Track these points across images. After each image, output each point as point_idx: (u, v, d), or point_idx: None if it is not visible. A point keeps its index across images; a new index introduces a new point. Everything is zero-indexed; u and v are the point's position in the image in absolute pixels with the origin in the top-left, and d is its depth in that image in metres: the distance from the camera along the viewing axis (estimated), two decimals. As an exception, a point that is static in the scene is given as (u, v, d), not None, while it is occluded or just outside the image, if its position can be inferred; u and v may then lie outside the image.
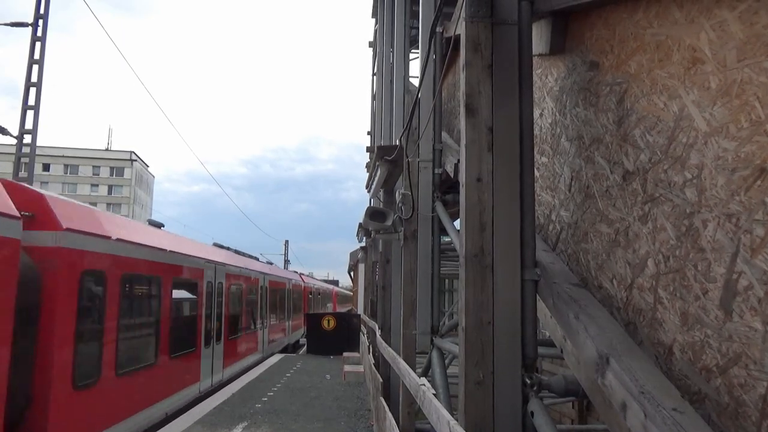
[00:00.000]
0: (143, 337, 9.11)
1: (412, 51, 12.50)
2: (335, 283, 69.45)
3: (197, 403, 11.06)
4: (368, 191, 14.80)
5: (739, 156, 2.03)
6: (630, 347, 2.66)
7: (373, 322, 13.95)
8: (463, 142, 3.32)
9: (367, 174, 14.65)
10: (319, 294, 38.18)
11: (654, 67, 2.59)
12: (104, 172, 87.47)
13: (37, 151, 15.01)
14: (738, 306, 2.03)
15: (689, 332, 2.32)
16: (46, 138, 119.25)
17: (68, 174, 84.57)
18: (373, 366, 11.38)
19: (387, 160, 8.50)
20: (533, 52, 3.51)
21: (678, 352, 2.40)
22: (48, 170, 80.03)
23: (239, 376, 14.85)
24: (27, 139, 14.41)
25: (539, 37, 3.74)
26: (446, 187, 5.96)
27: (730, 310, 2.07)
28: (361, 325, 21.53)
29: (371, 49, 22.03)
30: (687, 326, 2.33)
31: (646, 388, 2.31)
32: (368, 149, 16.17)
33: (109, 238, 7.69)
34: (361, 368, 15.60)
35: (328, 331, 21.50)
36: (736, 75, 2.04)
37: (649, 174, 2.64)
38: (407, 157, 6.53)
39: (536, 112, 4.00)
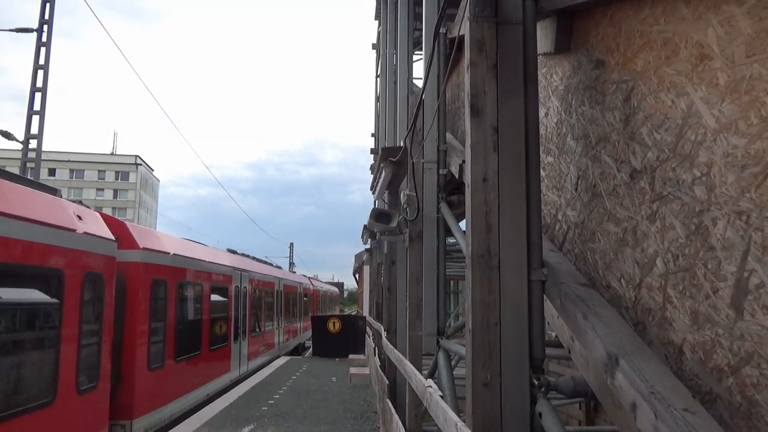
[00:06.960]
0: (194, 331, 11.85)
1: (416, 52, 12.50)
2: (341, 285, 69.76)
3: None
4: (373, 193, 14.78)
5: (749, 153, 2.00)
6: (639, 347, 2.63)
7: (379, 324, 13.91)
8: (468, 142, 3.30)
9: (372, 176, 14.64)
10: (326, 295, 41.78)
11: (661, 65, 2.57)
12: (109, 176, 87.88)
13: (43, 156, 15.07)
14: (749, 304, 2.00)
15: (699, 331, 2.29)
16: (51, 143, 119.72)
17: (74, 178, 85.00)
18: (379, 368, 11.34)
19: (391, 161, 8.49)
20: (538, 51, 3.48)
21: (688, 351, 2.37)
22: (54, 175, 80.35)
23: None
24: (33, 143, 14.49)
25: (544, 36, 3.72)
26: (451, 188, 5.94)
27: (741, 308, 2.05)
28: (367, 327, 21.51)
29: (374, 51, 22.04)
30: (697, 325, 2.31)
31: (656, 388, 2.28)
32: (372, 151, 16.18)
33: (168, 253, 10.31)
34: (366, 370, 15.58)
35: (334, 333, 21.48)
36: (745, 71, 2.02)
37: (657, 172, 2.61)
38: (412, 159, 6.51)
39: (542, 112, 3.98)
